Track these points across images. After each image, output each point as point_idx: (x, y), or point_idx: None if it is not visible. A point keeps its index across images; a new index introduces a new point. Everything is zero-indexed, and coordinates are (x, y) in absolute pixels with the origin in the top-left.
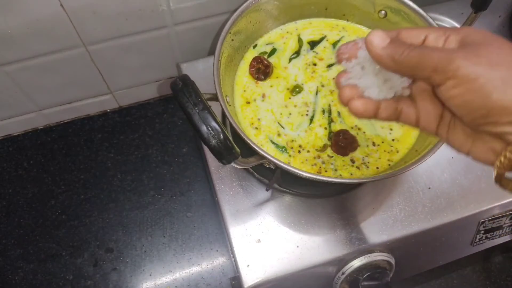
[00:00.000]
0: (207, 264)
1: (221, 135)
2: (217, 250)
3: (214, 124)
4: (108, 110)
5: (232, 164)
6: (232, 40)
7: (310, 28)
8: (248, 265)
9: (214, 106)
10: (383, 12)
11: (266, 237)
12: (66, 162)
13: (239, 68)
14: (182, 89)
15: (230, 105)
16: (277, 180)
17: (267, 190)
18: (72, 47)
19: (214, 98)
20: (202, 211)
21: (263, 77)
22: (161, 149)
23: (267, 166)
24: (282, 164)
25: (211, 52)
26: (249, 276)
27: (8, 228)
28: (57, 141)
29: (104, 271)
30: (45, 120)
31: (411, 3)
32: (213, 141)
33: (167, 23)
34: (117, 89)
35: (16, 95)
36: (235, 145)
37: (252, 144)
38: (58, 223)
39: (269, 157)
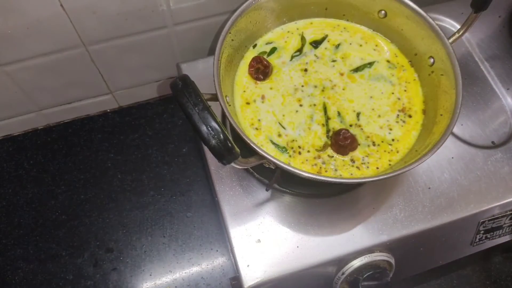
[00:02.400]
0: (207, 264)
1: (221, 135)
2: (217, 250)
3: (214, 124)
4: (108, 110)
5: (232, 164)
6: (232, 40)
7: (311, 27)
8: (248, 265)
9: (214, 106)
10: (383, 12)
11: (266, 237)
12: (66, 162)
13: (239, 68)
14: (182, 89)
15: (230, 105)
16: (277, 180)
17: (267, 190)
18: (72, 47)
19: (214, 98)
20: (202, 211)
21: (262, 77)
22: (161, 149)
23: (267, 166)
24: (282, 164)
25: (211, 52)
26: (249, 276)
27: (8, 228)
28: (57, 141)
29: (104, 271)
30: (45, 120)
31: (411, 3)
32: (213, 141)
33: (167, 23)
34: (117, 89)
35: (16, 95)
36: (235, 145)
37: (252, 144)
38: (58, 223)
39: (269, 157)
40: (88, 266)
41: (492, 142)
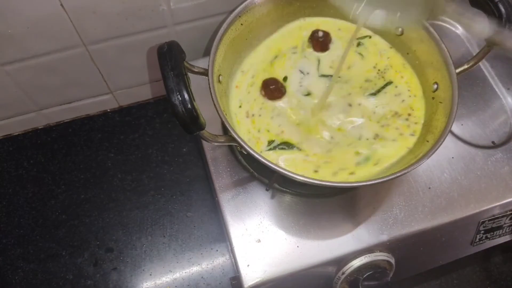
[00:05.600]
0: (207, 264)
1: (188, 104)
2: (217, 250)
3: (183, 91)
4: (108, 110)
5: (201, 137)
6: (241, 24)
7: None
8: (248, 265)
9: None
10: (400, 29)
11: (266, 237)
12: (66, 162)
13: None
14: (165, 53)
15: (221, 84)
16: (277, 180)
17: (267, 190)
18: (72, 47)
19: (205, 73)
20: (202, 211)
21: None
22: (161, 149)
23: (239, 150)
24: (251, 151)
25: (207, 52)
26: (249, 276)
27: (8, 228)
28: (57, 141)
29: (104, 271)
30: (45, 120)
31: (427, 24)
32: (179, 107)
33: (167, 23)
34: (117, 89)
35: (16, 95)
36: (201, 116)
37: (226, 123)
38: (58, 223)
39: (239, 140)
40: (88, 265)
41: (492, 142)
